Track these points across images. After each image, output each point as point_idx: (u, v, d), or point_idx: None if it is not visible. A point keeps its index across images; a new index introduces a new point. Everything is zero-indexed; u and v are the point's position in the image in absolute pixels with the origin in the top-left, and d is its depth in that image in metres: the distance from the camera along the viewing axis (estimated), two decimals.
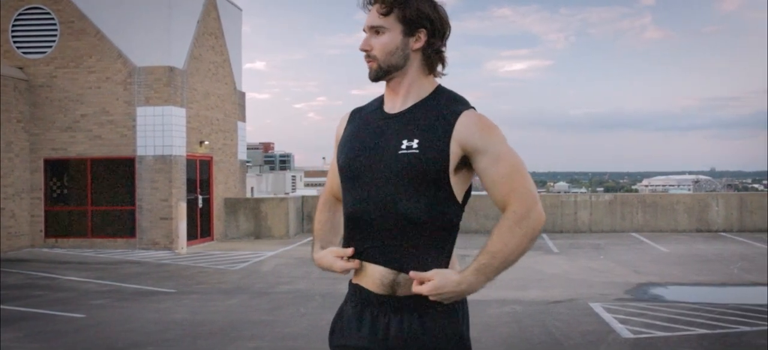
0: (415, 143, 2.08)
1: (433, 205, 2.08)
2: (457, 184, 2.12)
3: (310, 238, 18.47)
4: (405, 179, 2.07)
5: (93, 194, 16.85)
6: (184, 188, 16.89)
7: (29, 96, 16.79)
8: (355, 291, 2.21)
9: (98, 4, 16.70)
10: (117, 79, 16.59)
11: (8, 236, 15.91)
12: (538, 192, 2.13)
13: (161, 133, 16.36)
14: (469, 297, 2.19)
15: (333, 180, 2.39)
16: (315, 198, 21.50)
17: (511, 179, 2.07)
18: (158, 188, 16.39)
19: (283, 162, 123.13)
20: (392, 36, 2.14)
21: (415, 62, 2.17)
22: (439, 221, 2.09)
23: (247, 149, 22.56)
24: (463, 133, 2.08)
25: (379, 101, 2.26)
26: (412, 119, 2.13)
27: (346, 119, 2.32)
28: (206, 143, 18.10)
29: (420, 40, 2.15)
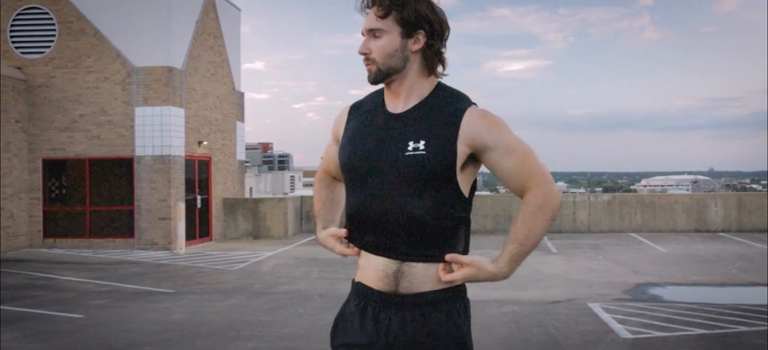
0: (421, 145, 2.07)
1: (440, 204, 2.08)
2: (464, 181, 2.12)
3: (309, 238, 18.48)
4: (412, 180, 2.07)
5: (91, 194, 16.84)
6: (183, 188, 16.88)
7: (28, 96, 16.77)
8: (358, 289, 2.22)
9: (97, 5, 16.69)
10: (115, 80, 16.58)
11: (7, 237, 15.89)
12: None
13: (160, 133, 16.35)
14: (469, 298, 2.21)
15: (328, 162, 2.42)
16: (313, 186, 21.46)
17: (525, 166, 2.11)
18: (157, 188, 16.38)
19: (282, 162, 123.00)
20: (391, 38, 2.14)
21: (415, 64, 2.16)
22: (446, 220, 2.10)
23: (246, 149, 22.56)
24: (470, 132, 2.08)
25: (380, 98, 2.24)
26: (417, 119, 2.13)
27: (346, 114, 2.30)
28: (205, 143, 18.09)
29: (419, 41, 2.15)
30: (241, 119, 20.99)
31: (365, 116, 2.23)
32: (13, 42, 16.92)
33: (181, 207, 15.97)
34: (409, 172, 2.07)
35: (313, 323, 8.06)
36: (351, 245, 2.23)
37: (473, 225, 19.18)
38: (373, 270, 2.16)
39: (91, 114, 16.63)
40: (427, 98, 2.16)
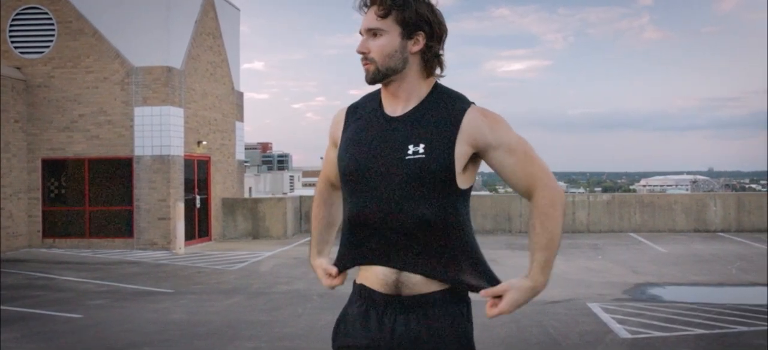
0: (421, 148, 2.07)
1: (441, 206, 2.08)
2: (464, 181, 2.12)
3: (308, 238, 18.43)
4: (412, 183, 2.07)
5: (91, 194, 16.83)
6: (182, 188, 16.88)
7: (27, 96, 16.76)
8: (360, 290, 2.21)
9: (96, 4, 16.68)
10: (115, 80, 16.57)
11: (6, 237, 15.89)
12: None
13: (159, 133, 16.34)
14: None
15: (329, 170, 2.41)
16: (313, 198, 21.45)
17: (528, 166, 2.12)
18: (156, 188, 16.37)
19: (281, 162, 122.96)
20: (390, 38, 2.13)
21: (415, 66, 2.16)
22: (447, 221, 2.10)
23: (245, 149, 22.56)
24: (471, 132, 2.08)
25: (377, 100, 2.22)
26: (416, 122, 2.12)
27: (343, 117, 2.29)
28: (204, 143, 18.09)
29: (418, 43, 2.14)
30: (241, 118, 20.98)
31: (364, 120, 2.21)
32: (12, 42, 16.91)
33: (180, 207, 15.97)
34: (409, 176, 2.06)
35: (313, 323, 8.06)
36: (338, 275, 2.27)
37: (474, 225, 19.15)
38: (374, 275, 2.16)
39: (90, 114, 16.62)
40: (426, 99, 2.16)
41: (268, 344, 7.16)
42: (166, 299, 9.93)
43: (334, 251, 2.37)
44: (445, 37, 2.19)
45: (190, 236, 17.11)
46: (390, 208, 2.08)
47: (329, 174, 2.43)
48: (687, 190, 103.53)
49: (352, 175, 2.16)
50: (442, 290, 2.12)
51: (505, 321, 8.03)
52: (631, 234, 19.15)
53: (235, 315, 8.67)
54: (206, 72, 18.48)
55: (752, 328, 7.66)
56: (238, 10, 20.95)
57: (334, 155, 2.33)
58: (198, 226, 17.87)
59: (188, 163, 17.35)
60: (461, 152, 2.07)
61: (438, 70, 2.20)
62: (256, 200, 19.99)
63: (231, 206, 19.31)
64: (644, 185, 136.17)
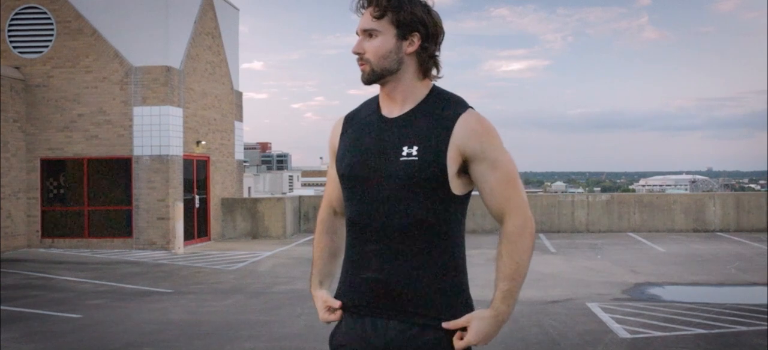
0: (414, 150, 2.07)
1: (434, 209, 2.09)
2: (459, 187, 2.12)
3: (307, 238, 18.46)
4: (406, 185, 2.07)
5: (90, 194, 16.83)
6: (181, 188, 16.87)
7: (26, 96, 16.76)
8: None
9: (95, 4, 16.67)
10: (114, 79, 16.56)
11: (5, 237, 15.88)
12: (536, 192, 2.14)
13: (158, 133, 16.34)
14: None
15: (331, 192, 2.37)
16: (312, 198, 21.49)
17: (507, 188, 2.10)
18: (155, 188, 16.37)
19: (281, 162, 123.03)
20: (385, 39, 2.13)
21: (410, 67, 2.16)
22: (441, 224, 2.10)
23: (245, 148, 22.55)
24: (461, 138, 2.07)
25: (374, 105, 2.24)
26: (411, 123, 2.12)
27: (340, 126, 2.30)
28: (203, 142, 18.08)
29: (413, 44, 2.14)
30: (240, 118, 20.98)
31: (362, 124, 2.22)
32: (11, 42, 16.90)
33: (180, 207, 15.96)
34: (403, 178, 2.07)
35: (311, 323, 8.05)
36: (337, 310, 2.23)
37: (470, 225, 19.20)
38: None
39: (89, 114, 16.62)
40: (422, 101, 2.16)
41: (267, 344, 7.16)
42: (165, 299, 9.93)
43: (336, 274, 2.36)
44: (442, 38, 2.19)
45: (189, 236, 17.11)
46: (385, 209, 2.09)
47: (332, 197, 2.38)
48: (686, 190, 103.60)
49: (350, 178, 2.17)
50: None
51: None
52: (630, 234, 19.16)
53: (234, 314, 8.67)
54: (205, 72, 18.47)
55: (751, 328, 7.66)
56: (237, 9, 20.95)
57: (335, 172, 2.30)
58: (197, 226, 17.86)
59: (187, 163, 17.35)
60: (452, 157, 2.07)
61: (434, 72, 2.19)
62: (255, 200, 19.98)
63: (230, 206, 19.31)
64: (643, 185, 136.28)
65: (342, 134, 2.27)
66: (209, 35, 18.75)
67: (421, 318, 2.09)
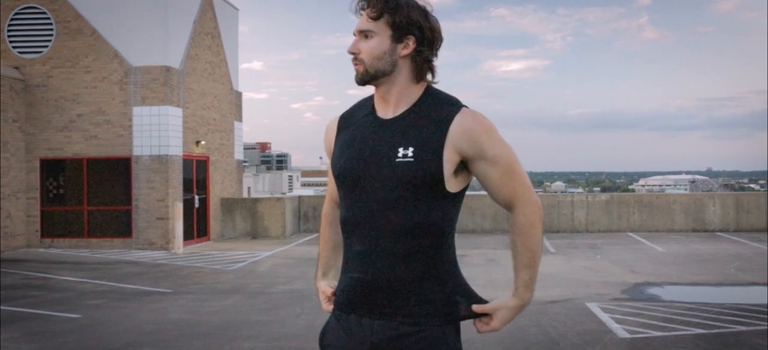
0: (410, 151, 2.08)
1: (429, 210, 2.09)
2: (455, 184, 2.13)
3: (306, 238, 18.47)
4: (401, 186, 2.08)
5: (89, 194, 16.82)
6: (181, 188, 16.87)
7: (25, 96, 16.75)
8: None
9: (94, 4, 16.67)
10: (113, 79, 16.56)
11: (4, 237, 15.87)
12: (536, 192, 2.16)
13: (158, 133, 16.33)
14: None
15: (333, 188, 2.41)
16: (312, 198, 21.50)
17: (510, 179, 2.12)
18: (155, 188, 16.36)
19: (280, 162, 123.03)
20: (380, 41, 2.14)
21: (405, 70, 2.16)
22: (435, 225, 2.11)
23: (244, 148, 22.56)
24: (458, 138, 2.08)
25: (370, 106, 2.24)
26: (406, 125, 2.13)
27: (335, 126, 2.31)
28: (203, 142, 18.08)
29: (408, 47, 2.15)
30: (239, 118, 20.97)
31: (356, 125, 2.23)
32: (10, 41, 16.89)
33: (179, 207, 15.96)
34: (398, 179, 2.08)
35: (311, 323, 8.06)
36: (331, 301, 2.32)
37: (472, 225, 19.18)
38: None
39: (88, 114, 16.61)
40: (417, 103, 2.16)
41: (267, 344, 7.16)
42: (164, 299, 9.93)
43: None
44: (439, 43, 2.19)
45: (188, 236, 17.10)
46: (380, 210, 2.10)
47: (333, 193, 2.42)
48: (686, 190, 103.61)
49: (345, 179, 2.18)
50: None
51: None
52: (630, 234, 19.16)
53: (233, 314, 8.67)
54: (205, 72, 18.47)
55: (751, 328, 7.66)
56: (237, 9, 20.95)
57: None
58: (196, 226, 17.86)
59: (187, 163, 17.34)
60: (449, 157, 2.08)
61: (429, 77, 2.20)
62: (255, 200, 19.98)
63: (230, 205, 19.30)
64: (643, 185, 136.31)
65: (337, 135, 2.28)
66: (209, 35, 18.75)
67: (411, 319, 2.10)
